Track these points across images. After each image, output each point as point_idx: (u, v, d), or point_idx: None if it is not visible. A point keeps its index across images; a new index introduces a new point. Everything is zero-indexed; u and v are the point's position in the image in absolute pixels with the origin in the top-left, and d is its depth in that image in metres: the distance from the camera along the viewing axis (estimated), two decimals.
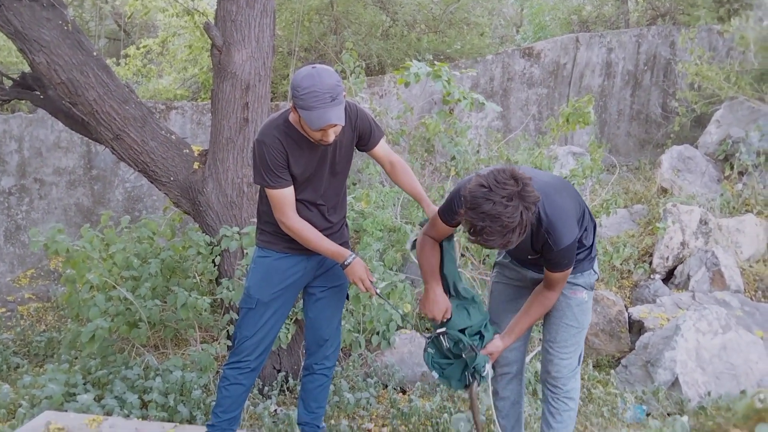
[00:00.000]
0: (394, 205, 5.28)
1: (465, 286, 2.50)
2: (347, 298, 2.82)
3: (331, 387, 3.62)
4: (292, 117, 2.41)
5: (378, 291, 2.50)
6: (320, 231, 2.49)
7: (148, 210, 6.88)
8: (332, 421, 3.32)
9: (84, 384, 3.39)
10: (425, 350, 2.53)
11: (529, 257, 2.31)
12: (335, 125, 2.28)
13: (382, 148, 2.63)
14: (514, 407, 2.63)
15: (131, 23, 11.76)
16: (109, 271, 3.82)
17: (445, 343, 2.42)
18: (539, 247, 2.21)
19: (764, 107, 6.91)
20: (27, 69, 4.66)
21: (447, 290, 2.49)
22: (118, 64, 10.03)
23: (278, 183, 2.40)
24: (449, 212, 2.32)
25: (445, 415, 3.31)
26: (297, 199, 2.48)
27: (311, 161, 2.44)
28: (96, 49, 3.86)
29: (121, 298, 3.67)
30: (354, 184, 6.48)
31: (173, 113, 6.92)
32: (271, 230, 2.56)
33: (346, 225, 2.72)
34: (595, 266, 2.45)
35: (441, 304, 2.37)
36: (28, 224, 6.02)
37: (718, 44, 8.57)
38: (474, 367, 2.36)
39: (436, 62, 5.63)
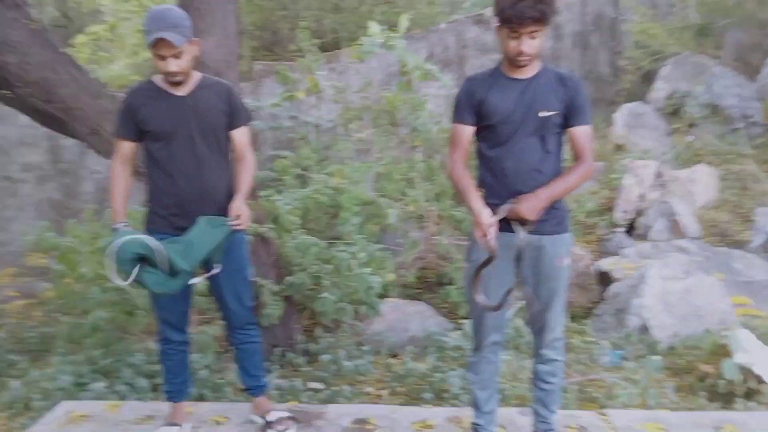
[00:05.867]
0: (367, 180, 5.43)
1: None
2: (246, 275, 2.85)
3: (329, 356, 3.82)
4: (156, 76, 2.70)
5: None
6: (188, 195, 2.64)
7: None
8: (335, 388, 3.51)
9: (92, 374, 3.49)
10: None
11: (540, 114, 2.38)
12: (169, 46, 2.48)
13: (242, 136, 2.76)
14: (494, 376, 2.68)
15: (75, 9, 11.45)
16: (99, 263, 3.89)
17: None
18: (562, 95, 2.39)
19: (707, 61, 7.27)
20: None
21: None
22: None
23: (119, 133, 2.71)
24: (459, 109, 2.48)
25: (438, 374, 3.53)
26: (165, 159, 2.64)
27: (170, 114, 2.63)
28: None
29: (116, 288, 3.76)
30: (323, 161, 6.60)
31: None
32: (151, 209, 2.73)
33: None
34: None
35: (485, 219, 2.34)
36: (1, 223, 5.97)
37: (659, 1, 8.89)
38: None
39: (392, 33, 5.74)
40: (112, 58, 10.25)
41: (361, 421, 2.91)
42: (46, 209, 6.15)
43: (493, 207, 2.41)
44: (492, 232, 2.31)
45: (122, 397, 3.21)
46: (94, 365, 3.57)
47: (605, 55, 8.99)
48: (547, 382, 2.64)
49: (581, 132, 2.45)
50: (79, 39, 9.68)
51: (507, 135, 2.41)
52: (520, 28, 2.27)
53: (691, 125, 6.76)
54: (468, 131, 2.48)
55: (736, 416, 2.96)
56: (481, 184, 2.51)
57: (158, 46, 2.49)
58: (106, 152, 3.89)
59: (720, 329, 3.72)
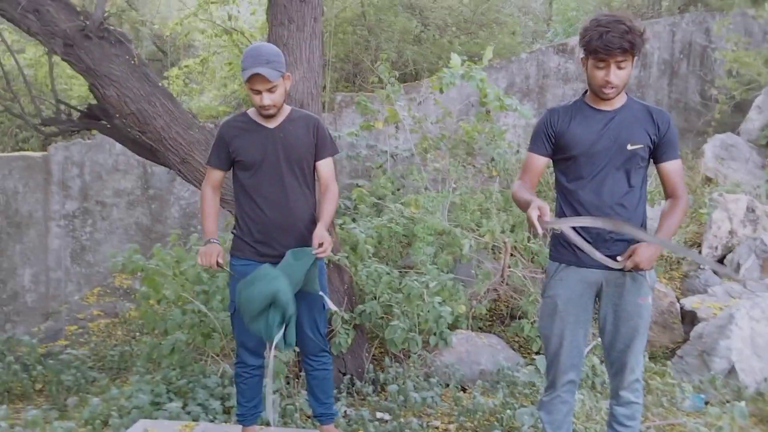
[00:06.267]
0: (443, 211, 5.43)
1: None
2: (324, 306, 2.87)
3: (395, 387, 3.81)
4: (250, 109, 2.82)
5: (226, 269, 2.76)
6: (273, 223, 2.73)
7: (199, 226, 7.17)
8: (402, 419, 3.49)
9: (167, 393, 3.62)
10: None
11: (629, 147, 2.34)
12: (264, 81, 2.59)
13: (327, 167, 2.83)
14: (568, 416, 2.60)
15: (170, 44, 12.15)
16: (181, 286, 4.06)
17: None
18: (650, 128, 2.35)
19: None
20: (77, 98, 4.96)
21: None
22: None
23: (211, 161, 2.85)
24: (535, 139, 2.46)
25: (509, 411, 3.45)
26: (253, 188, 2.74)
27: (259, 145, 2.73)
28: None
29: (196, 311, 3.90)
30: (398, 189, 6.66)
31: None
32: (238, 234, 2.82)
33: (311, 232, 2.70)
34: None
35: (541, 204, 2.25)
36: (92, 245, 6.36)
37: (753, 29, 8.50)
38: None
39: (473, 64, 5.76)
40: (202, 89, 10.80)
41: None
42: (133, 232, 6.50)
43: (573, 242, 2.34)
44: (548, 217, 2.20)
45: (195, 418, 3.31)
46: (170, 385, 3.70)
47: (694, 83, 8.67)
48: (625, 426, 2.53)
49: (674, 167, 2.38)
50: (173, 72, 10.26)
51: (590, 167, 2.36)
52: (609, 58, 2.23)
53: None
54: (541, 162, 2.45)
55: None
56: (561, 217, 2.46)
57: (253, 81, 2.62)
58: (195, 180, 4.09)
59: None
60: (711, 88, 8.09)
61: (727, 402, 3.60)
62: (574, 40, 8.63)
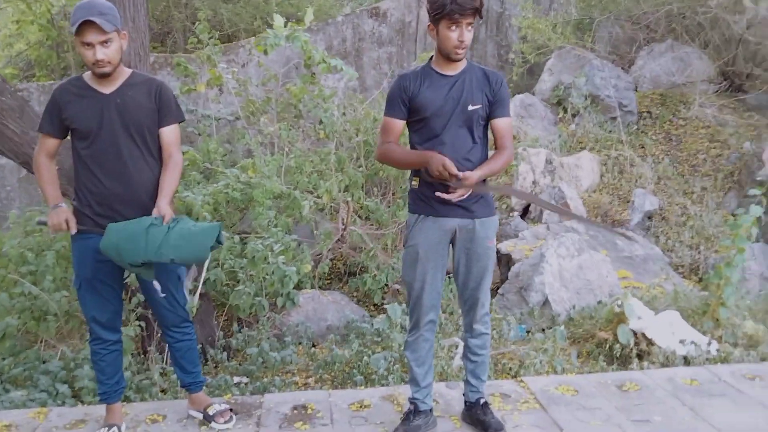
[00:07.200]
0: (278, 175, 5.46)
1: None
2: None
3: (255, 350, 3.86)
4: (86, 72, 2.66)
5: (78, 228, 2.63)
6: (113, 195, 2.61)
7: (2, 202, 6.49)
8: (265, 379, 3.57)
9: (2, 384, 3.34)
10: None
11: (469, 108, 2.58)
12: (97, 32, 2.44)
13: (169, 134, 2.70)
14: (430, 353, 2.85)
15: None
16: (4, 268, 3.71)
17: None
18: (486, 89, 2.61)
19: (588, 54, 7.85)
20: None
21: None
22: None
23: (43, 128, 2.66)
24: (391, 104, 2.64)
25: (365, 357, 3.68)
26: (91, 158, 2.60)
27: (94, 113, 2.59)
28: None
29: (26, 294, 3.60)
30: (225, 155, 6.52)
31: None
32: (77, 206, 2.69)
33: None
34: None
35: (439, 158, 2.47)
36: None
37: None
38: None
39: (294, 27, 5.78)
40: None
41: (301, 407, 3.00)
42: None
43: (430, 195, 2.58)
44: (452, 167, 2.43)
45: (43, 405, 3.11)
46: (2, 375, 3.41)
47: (492, 48, 9.44)
48: (478, 354, 2.86)
49: (504, 123, 2.68)
50: None
51: (439, 127, 2.59)
52: (462, 18, 2.45)
53: (574, 115, 7.29)
54: (399, 125, 2.65)
55: (633, 375, 3.33)
56: (416, 173, 2.68)
57: (85, 32, 2.43)
58: (10, 151, 3.71)
59: (612, 300, 4.12)
60: (508, 52, 8.89)
61: (545, 329, 4.16)
62: (386, 5, 8.94)
